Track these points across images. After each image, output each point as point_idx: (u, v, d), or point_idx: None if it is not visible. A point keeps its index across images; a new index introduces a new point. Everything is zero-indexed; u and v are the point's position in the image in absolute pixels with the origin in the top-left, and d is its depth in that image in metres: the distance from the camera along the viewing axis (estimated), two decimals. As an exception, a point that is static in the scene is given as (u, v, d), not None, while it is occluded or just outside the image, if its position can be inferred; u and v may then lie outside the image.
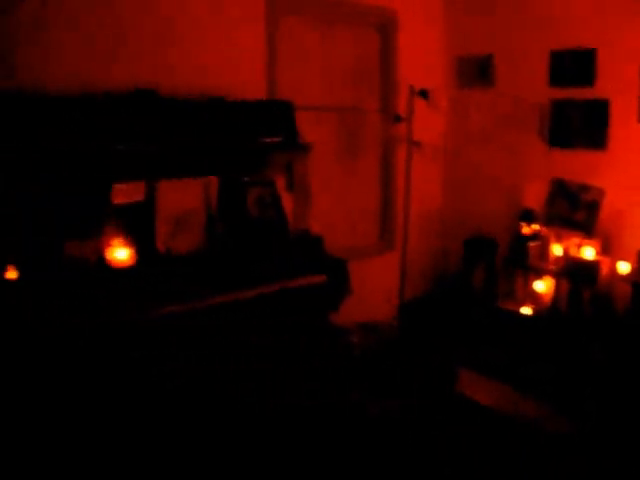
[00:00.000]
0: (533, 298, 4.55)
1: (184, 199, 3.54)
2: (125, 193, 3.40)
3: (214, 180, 3.62)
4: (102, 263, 3.26)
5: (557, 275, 4.44)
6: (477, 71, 5.17)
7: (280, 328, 3.50)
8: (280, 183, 3.86)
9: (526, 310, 4.50)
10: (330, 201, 4.76)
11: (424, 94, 4.61)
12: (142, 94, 3.47)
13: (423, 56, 5.21)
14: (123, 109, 3.38)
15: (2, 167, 3.00)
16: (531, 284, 4.58)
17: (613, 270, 4.25)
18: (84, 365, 2.89)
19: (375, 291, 4.86)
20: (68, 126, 3.17)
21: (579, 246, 4.38)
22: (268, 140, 3.79)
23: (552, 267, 4.49)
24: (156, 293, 3.16)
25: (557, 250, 4.49)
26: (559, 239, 4.52)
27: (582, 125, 4.52)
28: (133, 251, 3.33)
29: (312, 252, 3.75)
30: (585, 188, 4.46)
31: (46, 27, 3.37)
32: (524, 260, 4.61)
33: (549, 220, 4.63)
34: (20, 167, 3.05)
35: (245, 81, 4.10)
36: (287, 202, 3.86)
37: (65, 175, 3.18)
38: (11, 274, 3.07)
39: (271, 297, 3.44)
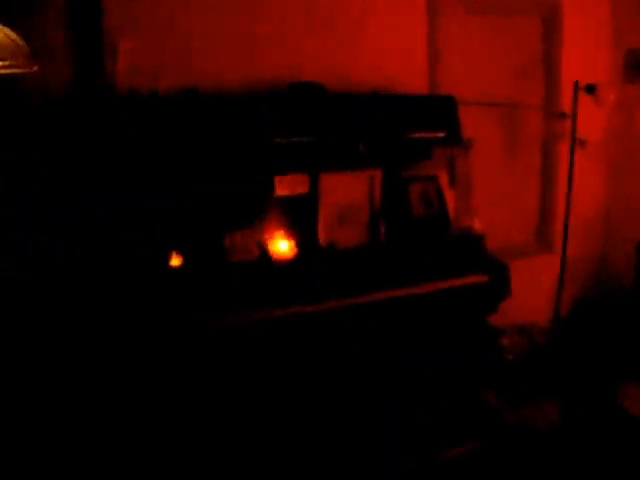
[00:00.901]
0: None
1: (348, 192, 3.50)
2: (287, 185, 3.40)
3: (378, 174, 3.56)
4: (264, 254, 3.28)
5: None
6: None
7: (439, 327, 3.46)
8: (442, 179, 3.78)
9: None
10: (488, 198, 4.60)
11: (591, 89, 4.38)
12: (310, 88, 3.49)
13: (589, 49, 4.90)
14: (289, 102, 3.43)
15: (176, 161, 3.07)
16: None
17: None
18: (249, 359, 2.95)
19: (531, 293, 4.61)
20: (234, 121, 3.21)
21: None
22: (431, 135, 3.72)
23: None
24: (318, 287, 3.15)
25: None
26: None
27: None
28: (294, 244, 3.35)
29: (474, 251, 3.64)
30: None
31: (200, 29, 3.49)
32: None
33: None
34: (188, 161, 3.10)
35: (408, 75, 4.05)
36: (449, 198, 3.78)
37: (229, 167, 3.22)
38: (175, 261, 3.14)
39: (433, 295, 3.36)
